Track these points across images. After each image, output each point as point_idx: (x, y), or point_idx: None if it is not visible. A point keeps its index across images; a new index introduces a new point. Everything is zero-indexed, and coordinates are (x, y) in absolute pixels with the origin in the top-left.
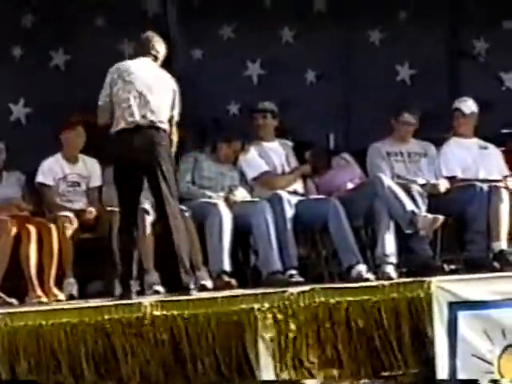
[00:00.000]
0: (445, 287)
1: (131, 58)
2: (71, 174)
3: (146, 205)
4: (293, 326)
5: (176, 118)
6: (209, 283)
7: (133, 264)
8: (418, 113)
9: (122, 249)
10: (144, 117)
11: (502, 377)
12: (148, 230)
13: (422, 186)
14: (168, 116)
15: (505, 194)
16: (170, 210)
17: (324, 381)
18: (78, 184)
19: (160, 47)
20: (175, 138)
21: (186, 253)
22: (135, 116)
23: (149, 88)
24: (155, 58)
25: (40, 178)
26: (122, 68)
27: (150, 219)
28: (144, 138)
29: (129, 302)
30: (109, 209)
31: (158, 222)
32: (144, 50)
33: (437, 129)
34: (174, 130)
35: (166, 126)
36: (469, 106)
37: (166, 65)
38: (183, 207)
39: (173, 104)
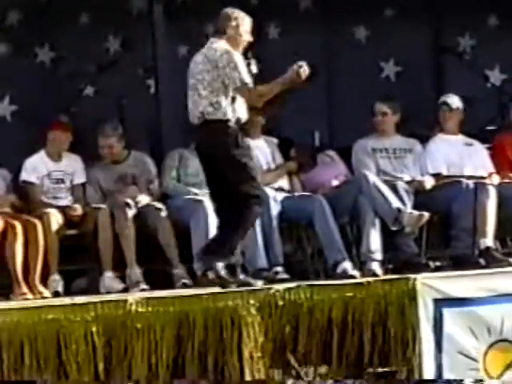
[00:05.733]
0: (430, 284)
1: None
2: (55, 171)
3: (128, 199)
4: (278, 323)
5: None
6: (188, 281)
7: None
8: (395, 105)
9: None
10: None
11: (487, 374)
12: (129, 224)
13: (408, 182)
14: None
15: (492, 191)
16: None
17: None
18: (63, 181)
19: None
20: None
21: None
22: None
23: None
24: None
25: (24, 176)
26: None
27: (131, 213)
28: None
29: (113, 298)
30: (94, 205)
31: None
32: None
33: (422, 126)
34: None
35: None
36: (455, 101)
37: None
38: (160, 206)
39: None
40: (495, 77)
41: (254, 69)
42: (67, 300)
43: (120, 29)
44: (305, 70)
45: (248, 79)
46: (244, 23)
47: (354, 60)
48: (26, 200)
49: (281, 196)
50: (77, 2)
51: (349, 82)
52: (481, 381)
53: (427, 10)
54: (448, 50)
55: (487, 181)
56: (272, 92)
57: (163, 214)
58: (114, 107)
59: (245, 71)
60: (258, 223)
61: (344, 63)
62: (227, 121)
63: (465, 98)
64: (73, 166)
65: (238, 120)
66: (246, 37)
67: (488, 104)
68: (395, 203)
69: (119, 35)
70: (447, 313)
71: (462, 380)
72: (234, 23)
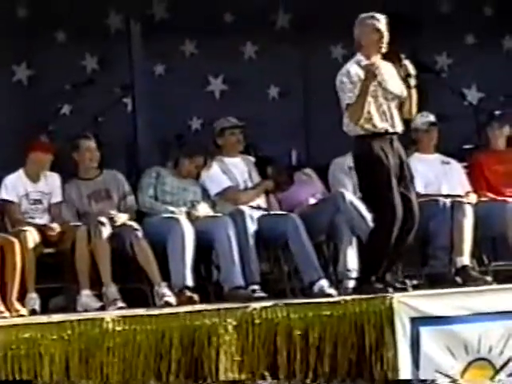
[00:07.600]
0: (407, 302)
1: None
2: (33, 191)
3: (102, 217)
4: (255, 342)
5: None
6: (172, 299)
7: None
8: None
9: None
10: None
11: None
12: (104, 242)
13: None
14: None
15: (469, 210)
16: None
17: None
18: (40, 201)
19: None
20: None
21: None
22: None
23: None
24: None
25: (3, 195)
26: None
27: (106, 232)
28: None
29: (90, 316)
30: (71, 224)
31: None
32: None
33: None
34: None
35: None
36: (431, 119)
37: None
38: (137, 226)
39: None
40: (472, 95)
41: (412, 70)
42: (44, 318)
43: (97, 47)
44: (375, 66)
45: (349, 99)
46: (366, 25)
47: (331, 79)
48: (4, 218)
49: (257, 214)
50: (54, 20)
51: (326, 100)
52: (455, 380)
53: (404, 28)
54: (425, 69)
55: (464, 199)
56: (362, 98)
57: (140, 234)
58: (90, 126)
59: (351, 90)
60: (234, 241)
61: (321, 82)
62: (360, 136)
63: (442, 116)
64: (50, 186)
65: (376, 134)
66: (371, 39)
67: (465, 122)
68: (372, 221)
69: (96, 53)
70: (424, 331)
71: (435, 380)
72: (357, 30)
